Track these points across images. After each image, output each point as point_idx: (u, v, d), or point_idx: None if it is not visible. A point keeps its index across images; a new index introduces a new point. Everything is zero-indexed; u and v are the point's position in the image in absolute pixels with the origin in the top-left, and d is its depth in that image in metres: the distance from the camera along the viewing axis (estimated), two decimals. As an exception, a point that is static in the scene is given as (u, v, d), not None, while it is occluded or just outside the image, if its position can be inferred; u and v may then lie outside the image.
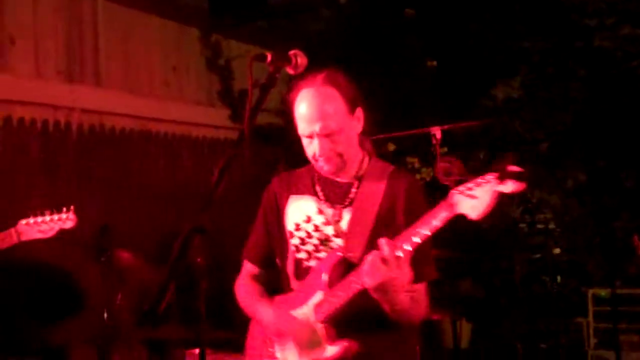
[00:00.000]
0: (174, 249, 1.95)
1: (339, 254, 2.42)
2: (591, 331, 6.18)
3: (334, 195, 2.52)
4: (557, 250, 7.01)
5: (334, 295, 2.36)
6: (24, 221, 3.42)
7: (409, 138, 5.74)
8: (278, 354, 2.50)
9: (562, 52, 6.96)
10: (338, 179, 2.53)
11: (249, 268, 2.70)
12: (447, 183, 2.15)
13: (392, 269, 2.17)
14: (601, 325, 6.14)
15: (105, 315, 4.22)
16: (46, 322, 4.60)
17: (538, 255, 7.08)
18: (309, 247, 2.51)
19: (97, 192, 5.13)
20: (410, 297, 2.30)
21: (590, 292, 6.27)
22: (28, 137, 4.86)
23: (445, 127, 4.14)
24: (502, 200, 2.08)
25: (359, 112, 2.48)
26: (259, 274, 2.68)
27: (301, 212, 2.54)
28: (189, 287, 2.47)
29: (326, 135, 2.41)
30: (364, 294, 2.27)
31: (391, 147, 6.46)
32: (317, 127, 2.40)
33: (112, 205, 5.24)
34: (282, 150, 5.63)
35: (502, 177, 2.04)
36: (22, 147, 4.83)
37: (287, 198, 2.59)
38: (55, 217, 3.41)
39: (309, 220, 2.51)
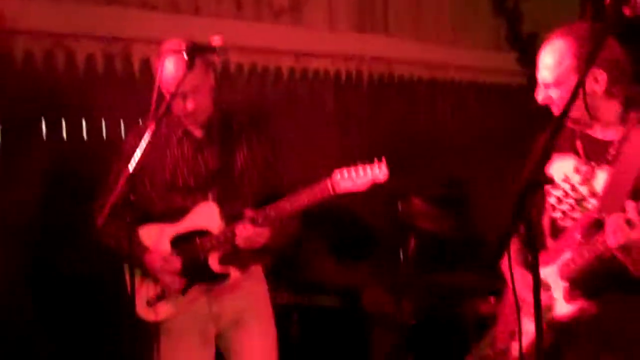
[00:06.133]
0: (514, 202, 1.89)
1: (594, 215, 2.37)
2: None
3: (593, 153, 2.47)
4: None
5: (580, 255, 2.36)
6: (338, 174, 3.10)
7: None
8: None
9: None
10: (597, 136, 2.46)
11: None
12: None
13: (636, 231, 2.12)
14: None
15: (401, 260, 4.29)
16: (344, 264, 4.81)
17: None
18: (565, 207, 2.51)
19: (387, 142, 5.20)
20: None
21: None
22: (322, 88, 5.02)
23: None
24: None
25: (598, 73, 2.35)
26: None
27: (560, 171, 2.49)
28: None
29: (550, 85, 2.41)
30: (609, 256, 2.23)
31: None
32: (546, 76, 2.41)
33: (400, 153, 5.30)
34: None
35: None
36: (317, 98, 5.01)
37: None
38: (368, 169, 3.12)
39: (566, 179, 2.48)
